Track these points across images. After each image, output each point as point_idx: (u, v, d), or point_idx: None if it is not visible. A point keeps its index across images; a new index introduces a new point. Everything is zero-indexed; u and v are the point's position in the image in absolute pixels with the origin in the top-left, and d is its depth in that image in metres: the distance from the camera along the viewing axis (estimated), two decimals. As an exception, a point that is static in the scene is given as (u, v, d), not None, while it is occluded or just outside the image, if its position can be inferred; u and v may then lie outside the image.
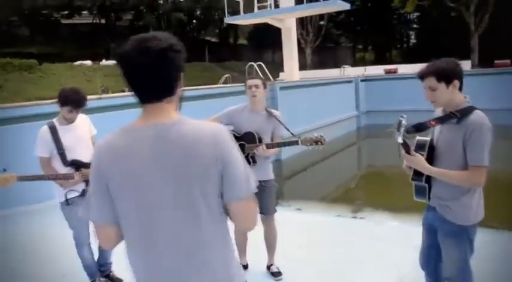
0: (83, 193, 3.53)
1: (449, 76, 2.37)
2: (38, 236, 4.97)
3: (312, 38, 34.25)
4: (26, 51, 32.44)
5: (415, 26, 44.00)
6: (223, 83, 16.64)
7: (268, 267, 3.89)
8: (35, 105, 7.53)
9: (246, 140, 3.58)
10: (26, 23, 35.08)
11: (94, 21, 38.50)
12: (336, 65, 29.08)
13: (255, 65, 14.51)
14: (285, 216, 6.27)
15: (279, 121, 3.64)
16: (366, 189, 10.79)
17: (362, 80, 19.23)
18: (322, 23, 36.08)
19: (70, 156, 3.55)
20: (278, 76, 20.34)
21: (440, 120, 2.46)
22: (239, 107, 3.71)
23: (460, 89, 2.43)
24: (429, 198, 2.57)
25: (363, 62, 38.86)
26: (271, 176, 3.72)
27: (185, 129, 1.45)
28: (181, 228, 1.45)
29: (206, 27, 42.22)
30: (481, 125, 2.32)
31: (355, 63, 35.43)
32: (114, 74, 29.18)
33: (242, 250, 3.93)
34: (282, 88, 13.39)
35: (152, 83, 1.44)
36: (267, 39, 32.19)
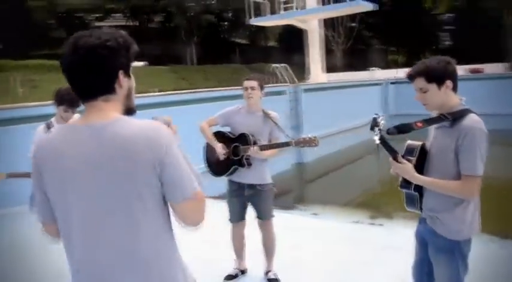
0: None
1: (440, 76, 2.19)
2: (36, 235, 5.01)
3: (342, 40, 33.87)
4: (62, 53, 33.35)
5: (448, 27, 42.78)
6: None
7: (266, 273, 3.77)
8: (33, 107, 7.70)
9: (240, 142, 3.49)
10: (62, 26, 36.08)
11: (126, 23, 39.24)
12: (367, 67, 28.63)
13: (278, 66, 14.38)
14: (298, 220, 6.18)
15: (275, 122, 3.52)
16: (389, 196, 10.48)
17: (392, 83, 18.81)
18: (353, 24, 35.61)
19: None
20: (308, 78, 20.14)
21: (428, 122, 2.26)
22: (235, 108, 3.63)
23: (455, 89, 2.25)
24: (421, 208, 2.38)
25: (395, 65, 38.07)
26: (267, 180, 3.60)
27: (120, 130, 1.40)
28: (115, 230, 1.42)
29: (236, 29, 42.34)
30: (474, 130, 2.11)
31: (387, 66, 34.75)
32: (144, 74, 29.78)
33: (240, 255, 3.83)
34: (305, 90, 13.23)
35: (83, 80, 1.44)
36: (297, 41, 32.09)
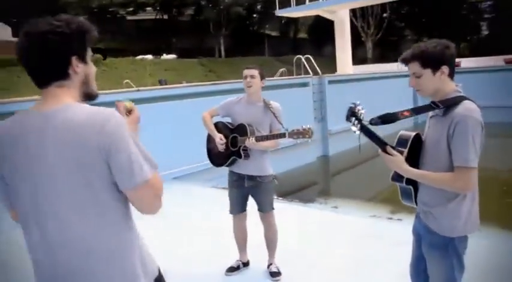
0: None
1: (436, 61, 2.05)
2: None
3: (373, 31, 33.16)
4: (95, 47, 34.18)
5: (487, 15, 41.15)
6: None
7: (268, 266, 3.71)
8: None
9: (238, 132, 3.43)
10: (95, 21, 36.73)
11: (157, 17, 39.68)
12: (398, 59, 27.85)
13: (302, 58, 14.18)
14: (313, 214, 6.07)
15: (273, 113, 3.43)
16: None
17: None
18: (384, 15, 34.79)
19: None
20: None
21: (416, 111, 2.12)
22: (236, 98, 3.57)
23: (451, 76, 2.10)
24: (416, 203, 2.25)
25: (428, 56, 36.84)
26: (267, 171, 3.52)
27: (70, 116, 1.39)
28: (65, 218, 1.43)
29: (266, 21, 42.12)
30: (466, 119, 1.96)
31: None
32: (173, 67, 30.13)
33: (242, 247, 3.78)
34: (330, 82, 13.00)
35: (36, 67, 1.45)
36: (327, 33, 31.59)
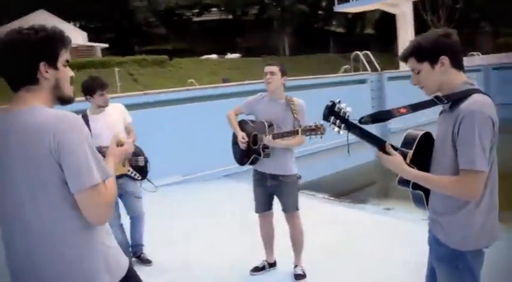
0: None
1: (432, 52, 1.85)
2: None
3: (443, 24, 31.43)
4: (163, 48, 35.51)
5: None
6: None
7: (294, 268, 3.61)
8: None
9: (259, 130, 3.36)
10: (163, 23, 38.27)
11: (222, 17, 40.36)
12: (472, 52, 26.27)
13: (360, 54, 13.75)
14: (359, 216, 5.85)
15: (292, 109, 3.31)
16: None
17: (494, 68, 17.01)
18: (457, 6, 32.89)
19: (97, 143, 3.71)
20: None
21: (415, 107, 1.88)
22: (258, 96, 3.51)
23: (457, 66, 1.87)
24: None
25: (507, 48, 34.45)
26: (291, 170, 3.42)
27: (31, 119, 1.45)
28: (26, 217, 1.50)
29: (332, 17, 41.40)
30: (472, 114, 1.73)
31: (497, 50, 31.55)
32: (237, 66, 30.52)
33: (268, 246, 3.72)
34: (390, 78, 12.51)
35: (6, 73, 1.54)
36: (395, 28, 30.48)
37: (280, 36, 37.23)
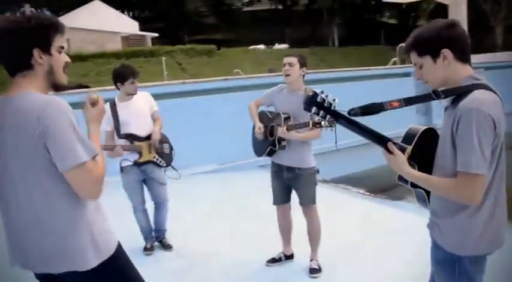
0: (135, 163, 3.85)
1: (433, 46, 1.73)
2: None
3: (505, 14, 29.75)
4: (212, 38, 35.90)
5: None
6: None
7: (310, 262, 3.59)
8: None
9: (276, 122, 3.36)
10: (213, 13, 38.67)
11: (272, 7, 40.20)
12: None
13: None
14: (394, 214, 5.69)
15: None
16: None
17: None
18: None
19: (125, 130, 3.84)
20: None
21: (409, 101, 1.74)
22: (278, 88, 3.50)
23: (462, 59, 1.75)
24: None
25: None
26: (308, 163, 3.39)
27: (20, 103, 1.54)
28: (18, 197, 1.61)
29: (384, 8, 40.24)
30: (470, 112, 1.59)
31: None
32: (282, 57, 30.24)
33: (285, 238, 3.72)
34: (437, 71, 12.02)
35: (2, 59, 1.62)
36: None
37: (330, 27, 36.63)
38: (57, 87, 1.70)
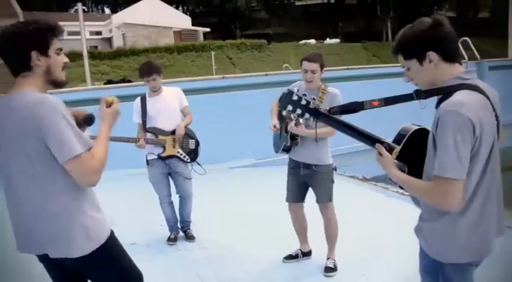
0: (159, 156, 3.99)
1: (417, 49, 1.68)
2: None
3: None
4: (264, 33, 36.04)
5: None
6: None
7: (326, 260, 3.58)
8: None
9: (290, 118, 3.35)
10: (264, 8, 38.73)
11: (324, 1, 39.68)
12: None
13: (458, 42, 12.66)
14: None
15: (318, 97, 3.25)
16: None
17: None
18: None
19: (151, 124, 3.99)
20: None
21: (389, 100, 1.72)
22: (296, 84, 3.48)
23: (449, 60, 1.68)
24: None
25: None
26: (324, 160, 3.37)
27: (20, 101, 1.70)
28: (19, 188, 1.77)
29: (440, 1, 38.67)
30: (446, 114, 1.54)
31: None
32: (336, 52, 29.89)
33: (301, 236, 3.73)
34: (491, 68, 11.49)
35: (6, 62, 1.77)
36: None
37: (384, 21, 35.70)
38: (57, 84, 1.84)
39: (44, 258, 1.87)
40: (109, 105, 1.95)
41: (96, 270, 1.88)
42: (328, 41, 31.75)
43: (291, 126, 3.25)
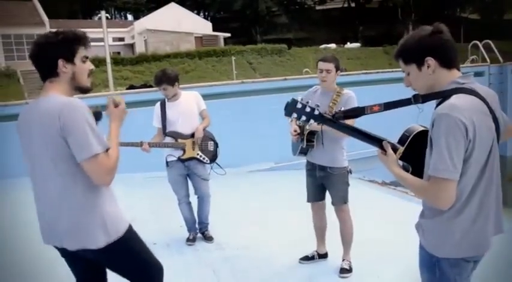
0: (179, 159, 4.10)
1: (416, 54, 1.76)
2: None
3: None
4: (285, 37, 36.12)
5: None
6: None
7: (342, 262, 3.62)
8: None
9: None
10: (285, 12, 38.86)
11: (344, 5, 39.60)
12: None
13: (479, 44, 12.56)
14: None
15: (332, 99, 3.31)
16: None
17: None
18: None
19: (170, 128, 4.11)
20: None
21: (389, 105, 1.81)
22: (314, 88, 3.58)
23: (447, 65, 1.75)
24: None
25: None
26: (339, 163, 3.42)
27: (46, 104, 1.85)
28: (42, 184, 1.93)
29: (465, 3, 38.15)
30: (440, 118, 1.63)
31: None
32: (356, 56, 29.77)
33: (319, 237, 3.78)
34: (514, 71, 11.32)
35: (37, 68, 1.95)
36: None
37: (405, 25, 35.39)
38: (82, 90, 1.99)
39: (65, 253, 2.00)
40: (116, 105, 2.08)
41: (117, 261, 2.02)
42: (348, 45, 31.68)
43: (314, 126, 3.29)
